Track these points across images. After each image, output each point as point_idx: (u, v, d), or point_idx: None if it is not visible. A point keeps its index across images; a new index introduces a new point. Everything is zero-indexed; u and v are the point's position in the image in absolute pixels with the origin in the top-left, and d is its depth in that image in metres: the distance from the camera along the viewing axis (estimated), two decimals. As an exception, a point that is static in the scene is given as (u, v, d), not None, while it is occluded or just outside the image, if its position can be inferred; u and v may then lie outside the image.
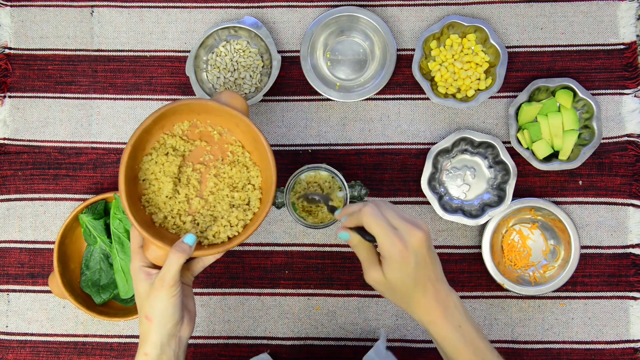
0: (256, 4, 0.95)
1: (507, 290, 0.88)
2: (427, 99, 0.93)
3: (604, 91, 0.92)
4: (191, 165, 0.72)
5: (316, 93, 0.93)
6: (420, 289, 0.60)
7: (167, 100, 0.95)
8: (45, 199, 0.94)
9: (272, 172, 0.68)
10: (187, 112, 0.70)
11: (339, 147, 0.93)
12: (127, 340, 0.91)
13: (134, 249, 0.66)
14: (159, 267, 0.65)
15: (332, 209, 0.71)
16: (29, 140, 0.94)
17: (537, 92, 0.89)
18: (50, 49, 0.96)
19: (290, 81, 0.94)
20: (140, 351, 0.63)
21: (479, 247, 0.89)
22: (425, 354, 0.89)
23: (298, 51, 0.94)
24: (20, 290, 0.92)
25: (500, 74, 0.89)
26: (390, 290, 0.61)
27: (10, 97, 0.95)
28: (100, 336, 0.91)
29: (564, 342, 0.89)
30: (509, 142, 0.90)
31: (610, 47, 0.93)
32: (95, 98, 0.95)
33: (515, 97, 0.92)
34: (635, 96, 0.92)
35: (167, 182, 0.69)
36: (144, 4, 0.96)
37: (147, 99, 0.95)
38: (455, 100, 0.89)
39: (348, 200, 0.80)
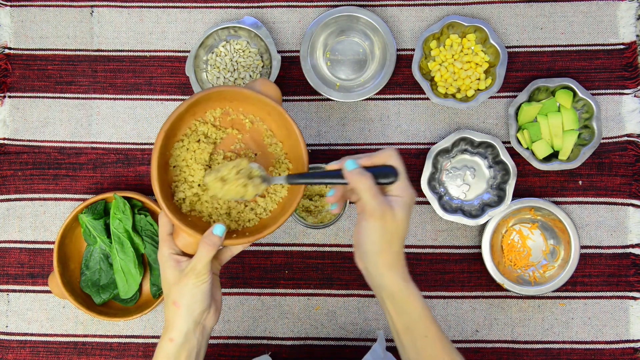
0: (256, 4, 0.96)
1: (507, 290, 0.88)
2: (427, 99, 0.93)
3: (603, 91, 0.92)
4: (222, 153, 0.71)
5: (316, 93, 0.93)
6: (403, 243, 0.61)
7: (167, 100, 0.95)
8: (45, 199, 0.94)
9: (304, 161, 0.67)
10: (219, 99, 0.69)
11: (338, 147, 0.93)
12: (127, 340, 0.91)
13: (162, 237, 0.65)
14: (188, 255, 0.65)
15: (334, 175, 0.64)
16: (29, 140, 0.94)
17: (537, 92, 0.89)
18: (50, 49, 0.96)
19: (290, 81, 0.94)
20: (165, 337, 0.63)
21: (479, 247, 0.89)
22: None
23: (298, 51, 0.94)
24: (20, 291, 0.92)
25: (500, 74, 0.89)
26: (390, 234, 0.59)
27: (10, 97, 0.95)
28: (100, 336, 0.91)
29: (563, 342, 0.89)
30: (509, 142, 0.90)
31: (610, 47, 0.93)
32: (95, 98, 0.95)
33: (515, 97, 0.92)
34: (635, 96, 0.92)
35: (199, 169, 0.68)
36: (143, 4, 0.96)
37: (147, 99, 0.95)
38: (455, 100, 0.89)
39: (348, 201, 0.80)
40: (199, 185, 0.68)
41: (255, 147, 0.72)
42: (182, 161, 0.69)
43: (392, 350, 0.89)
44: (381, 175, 0.61)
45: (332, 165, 0.63)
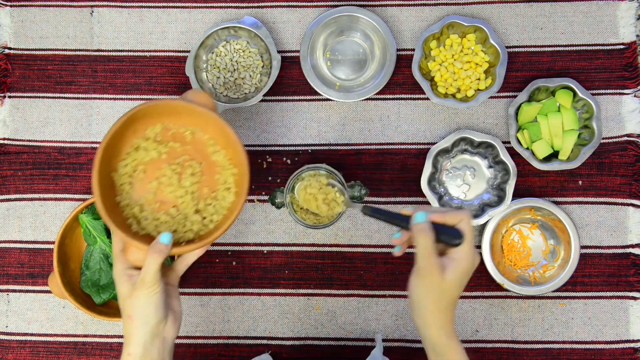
0: (256, 4, 0.96)
1: (507, 290, 0.88)
2: (427, 99, 0.93)
3: (603, 91, 0.92)
4: (167, 167, 0.71)
5: (316, 93, 0.93)
6: (456, 301, 0.64)
7: (167, 100, 0.95)
8: (45, 199, 0.94)
9: (245, 166, 0.68)
10: (156, 114, 0.70)
11: (338, 147, 0.93)
12: (127, 340, 0.91)
13: (115, 253, 0.66)
14: (140, 269, 0.65)
15: (402, 218, 0.66)
16: (29, 140, 0.94)
17: (537, 92, 0.89)
18: (50, 49, 0.96)
19: (290, 81, 0.94)
20: (125, 352, 0.63)
21: (479, 247, 0.89)
22: (425, 354, 0.89)
23: (298, 51, 0.94)
24: (20, 291, 0.92)
25: (500, 74, 0.89)
26: (437, 294, 0.62)
27: (10, 97, 0.95)
28: (100, 336, 0.91)
29: (564, 342, 0.89)
30: (509, 142, 0.90)
31: (610, 47, 0.93)
32: (95, 98, 0.95)
33: (515, 97, 0.92)
34: (635, 96, 0.92)
35: (142, 186, 0.70)
36: (143, 4, 0.96)
37: (147, 99, 0.95)
38: (455, 100, 0.89)
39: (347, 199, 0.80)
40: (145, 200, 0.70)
41: (200, 157, 0.72)
42: (127, 178, 0.70)
43: (392, 350, 0.89)
44: (446, 235, 0.62)
45: (405, 211, 0.65)
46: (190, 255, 0.69)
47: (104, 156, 0.66)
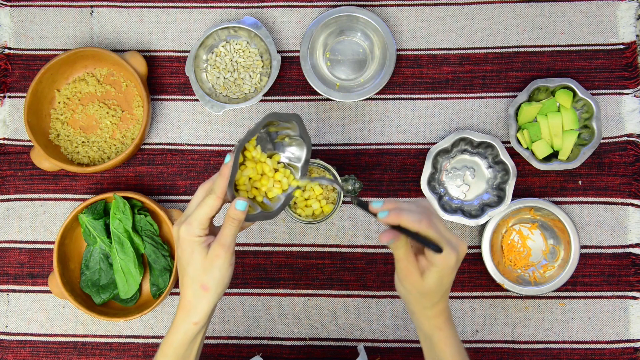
0: (256, 4, 0.96)
1: (507, 290, 0.88)
2: (427, 99, 0.93)
3: (603, 91, 0.92)
4: (97, 103, 0.92)
5: (316, 93, 0.93)
6: (444, 298, 0.63)
7: (167, 100, 0.95)
8: (45, 199, 0.94)
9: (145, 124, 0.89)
10: (103, 59, 0.92)
11: (338, 147, 0.93)
12: (127, 340, 0.91)
13: (201, 219, 0.61)
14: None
15: (362, 204, 0.64)
16: (29, 141, 0.94)
17: (537, 92, 0.89)
18: (50, 49, 0.96)
19: (290, 81, 0.94)
20: (188, 320, 0.62)
21: (479, 247, 0.89)
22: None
23: (298, 51, 0.94)
24: (20, 291, 0.92)
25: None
26: (419, 295, 0.62)
27: (9, 97, 0.95)
28: (100, 336, 0.91)
29: (564, 342, 0.89)
30: (509, 142, 0.90)
31: (610, 47, 0.93)
32: (95, 98, 0.95)
33: (514, 97, 0.92)
34: (634, 96, 0.92)
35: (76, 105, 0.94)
36: (143, 4, 0.96)
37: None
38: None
39: (342, 195, 0.80)
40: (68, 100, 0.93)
41: (125, 107, 0.93)
42: (71, 96, 0.94)
43: (392, 350, 0.89)
44: (422, 239, 0.59)
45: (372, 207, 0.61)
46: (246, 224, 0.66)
47: (54, 67, 0.89)
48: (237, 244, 0.92)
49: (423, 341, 0.67)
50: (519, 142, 0.89)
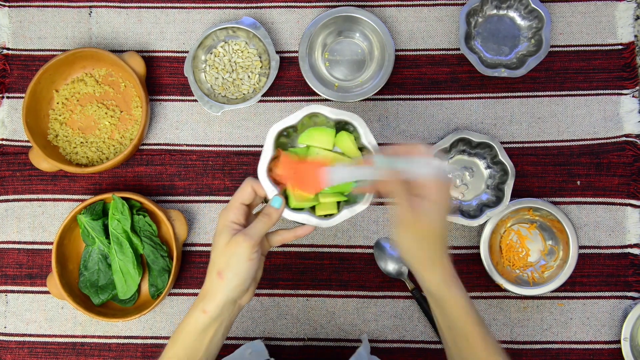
0: (254, 5, 0.96)
1: (505, 290, 0.88)
2: (425, 99, 0.93)
3: (602, 91, 0.92)
4: (95, 104, 0.92)
5: (314, 94, 0.93)
6: (443, 242, 0.60)
7: (166, 101, 0.95)
8: (43, 200, 0.93)
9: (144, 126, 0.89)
10: (103, 59, 0.91)
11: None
12: (126, 340, 0.91)
13: (234, 204, 0.62)
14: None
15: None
16: (27, 141, 0.94)
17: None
18: (49, 50, 0.96)
19: (289, 82, 0.94)
20: (198, 307, 0.60)
21: (478, 247, 0.89)
22: (425, 354, 0.89)
23: (296, 52, 0.94)
24: (18, 291, 0.92)
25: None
26: (417, 239, 0.59)
27: (8, 97, 0.95)
28: (99, 337, 0.91)
29: (562, 342, 0.89)
30: (508, 142, 0.90)
31: (609, 48, 0.93)
32: (93, 99, 0.95)
33: (514, 97, 0.92)
34: (633, 96, 0.92)
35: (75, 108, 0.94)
36: (142, 5, 0.96)
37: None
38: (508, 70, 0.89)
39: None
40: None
41: (124, 107, 0.93)
42: (64, 99, 0.93)
43: (392, 350, 0.89)
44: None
45: (368, 160, 0.62)
46: (289, 234, 0.67)
47: (52, 67, 0.89)
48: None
49: (434, 307, 0.63)
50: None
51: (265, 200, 0.64)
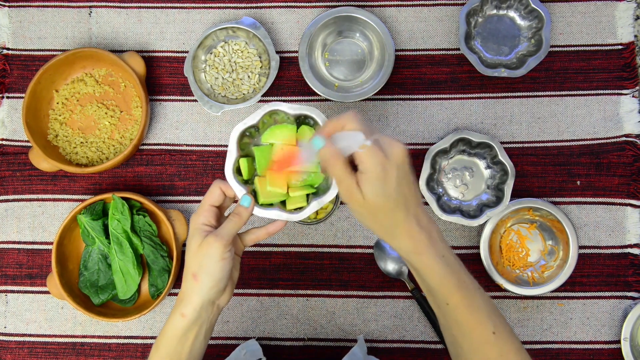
0: (254, 5, 0.96)
1: (505, 290, 0.88)
2: (425, 99, 0.93)
3: (602, 91, 0.92)
4: (95, 104, 0.92)
5: (314, 94, 0.93)
6: (402, 210, 0.57)
7: (166, 101, 0.95)
8: (43, 200, 0.93)
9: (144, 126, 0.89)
10: (103, 59, 0.91)
11: (337, 148, 0.93)
12: (126, 340, 0.91)
13: (204, 207, 0.63)
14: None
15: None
16: (27, 141, 0.94)
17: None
18: (49, 50, 0.96)
19: (289, 82, 0.94)
20: (177, 311, 0.61)
21: (478, 247, 0.89)
22: (425, 354, 0.89)
23: (296, 52, 0.94)
24: (18, 291, 0.92)
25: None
26: (370, 213, 0.57)
27: (8, 97, 0.95)
28: (99, 337, 0.91)
29: (562, 342, 0.89)
30: (508, 142, 0.90)
31: (608, 48, 0.93)
32: (93, 99, 0.95)
33: (514, 97, 0.92)
34: (633, 96, 0.92)
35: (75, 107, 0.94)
36: (142, 5, 0.96)
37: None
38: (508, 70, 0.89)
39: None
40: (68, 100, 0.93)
41: (124, 107, 0.94)
42: (70, 97, 0.93)
43: (391, 350, 0.89)
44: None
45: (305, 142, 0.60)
46: (260, 231, 0.66)
47: (52, 67, 0.89)
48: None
49: (413, 273, 0.60)
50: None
51: (236, 201, 0.65)
